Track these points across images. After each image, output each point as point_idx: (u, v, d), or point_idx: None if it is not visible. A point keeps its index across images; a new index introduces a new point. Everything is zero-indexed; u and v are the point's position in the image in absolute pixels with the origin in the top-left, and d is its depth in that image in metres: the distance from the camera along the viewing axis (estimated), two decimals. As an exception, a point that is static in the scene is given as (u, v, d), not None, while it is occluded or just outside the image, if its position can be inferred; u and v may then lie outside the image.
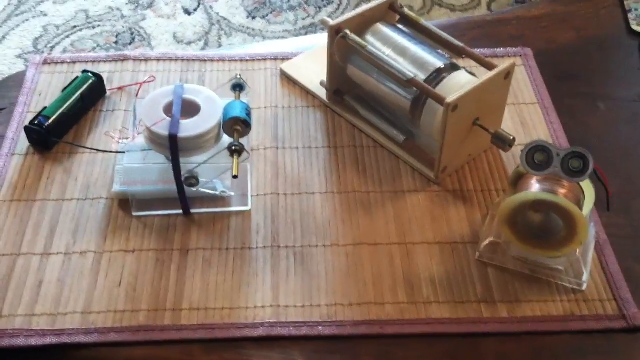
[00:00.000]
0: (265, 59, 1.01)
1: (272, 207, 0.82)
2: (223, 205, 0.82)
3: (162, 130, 0.76)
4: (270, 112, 0.94)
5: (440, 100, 0.79)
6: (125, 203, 0.81)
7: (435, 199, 0.83)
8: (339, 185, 0.84)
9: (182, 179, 0.77)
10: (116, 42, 1.89)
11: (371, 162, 0.87)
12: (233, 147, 0.76)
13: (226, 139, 0.79)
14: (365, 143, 0.89)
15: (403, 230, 0.80)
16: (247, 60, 1.01)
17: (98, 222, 0.80)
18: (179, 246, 0.78)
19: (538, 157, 0.72)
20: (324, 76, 0.93)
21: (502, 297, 0.73)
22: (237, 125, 0.78)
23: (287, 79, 0.98)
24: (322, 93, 0.94)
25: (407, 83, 0.82)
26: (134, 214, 0.81)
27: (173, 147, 0.76)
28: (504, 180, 0.85)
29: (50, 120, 0.88)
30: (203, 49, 1.86)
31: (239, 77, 0.84)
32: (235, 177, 0.74)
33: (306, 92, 0.96)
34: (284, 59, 1.01)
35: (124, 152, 0.81)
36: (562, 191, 0.72)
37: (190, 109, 0.79)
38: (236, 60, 1.01)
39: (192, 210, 0.81)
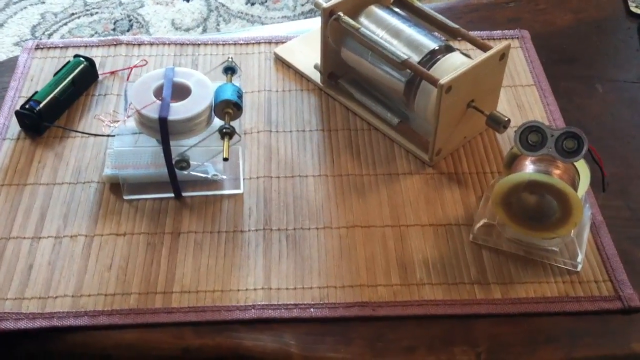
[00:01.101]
0: (259, 43, 1.00)
1: (265, 190, 0.81)
2: (215, 188, 0.81)
3: (152, 113, 0.75)
4: (263, 95, 0.93)
5: (433, 81, 0.78)
6: (116, 187, 0.81)
7: (430, 181, 0.82)
8: (333, 168, 0.84)
9: (173, 162, 0.77)
10: (114, 30, 1.88)
11: (365, 145, 0.86)
12: (224, 130, 0.75)
13: (217, 122, 0.78)
14: (360, 126, 0.89)
15: (397, 213, 0.79)
16: (240, 44, 1.00)
17: (89, 206, 0.80)
18: (170, 229, 0.77)
19: (532, 137, 0.71)
20: (318, 59, 0.92)
21: (496, 279, 0.72)
22: (228, 108, 0.77)
23: (281, 63, 0.97)
24: (316, 76, 0.94)
25: (401, 65, 0.81)
26: (125, 197, 0.80)
27: (163, 130, 0.75)
28: (499, 162, 0.84)
29: (42, 105, 0.87)
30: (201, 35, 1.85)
31: (230, 60, 0.83)
32: (225, 159, 0.73)
33: (300, 75, 0.95)
34: (278, 42, 1.00)
35: (114, 136, 0.80)
36: (556, 172, 0.71)
37: (181, 92, 0.78)
38: (230, 44, 1.00)
39: (184, 194, 0.80)
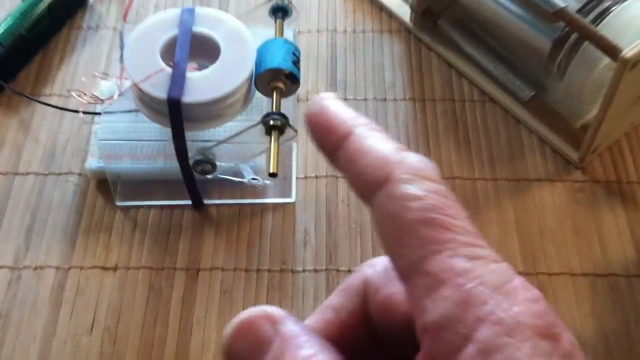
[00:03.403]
0: (318, -47, 0.70)
1: (328, 199, 0.54)
2: (253, 194, 0.54)
3: (158, 90, 0.47)
4: (325, 39, 0.63)
5: (610, 50, 0.48)
6: (105, 185, 0.54)
7: (579, 195, 0.54)
8: (430, 166, 0.56)
9: (190, 163, 0.49)
10: None
11: (478, 128, 0.58)
12: (272, 122, 0.47)
13: (258, 100, 0.50)
14: (469, 95, 0.60)
15: (531, 250, 0.51)
16: (292, -46, 0.70)
17: (64, 216, 0.53)
18: (184, 263, 0.51)
19: None
20: (406, -15, 0.62)
21: (700, 388, 0.46)
22: (278, 81, 0.48)
23: (351, -14, 0.67)
24: (403, 12, 0.64)
25: (552, 16, 0.51)
26: (119, 204, 0.54)
27: (175, 117, 0.47)
28: (683, 164, 0.56)
29: (3, 48, 0.59)
30: None
31: (281, -8, 0.54)
32: (273, 175, 0.45)
33: (379, 9, 0.65)
34: (346, -47, 0.70)
35: (100, 114, 0.52)
36: None
37: (204, 49, 0.50)
38: (277, -46, 0.70)
39: (207, 202, 0.53)
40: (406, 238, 0.20)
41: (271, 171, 0.45)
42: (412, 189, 0.20)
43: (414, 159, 0.21)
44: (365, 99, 0.59)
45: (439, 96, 0.59)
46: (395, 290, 0.23)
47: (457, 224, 0.20)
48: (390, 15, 0.64)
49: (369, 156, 0.22)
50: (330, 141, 0.23)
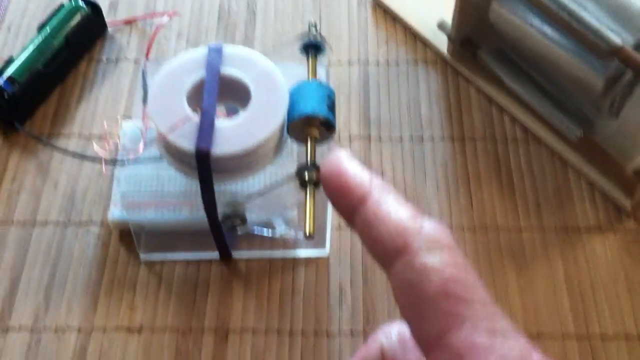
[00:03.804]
0: (348, -24, 0.66)
1: (364, 251, 0.51)
2: (284, 245, 0.51)
3: (185, 140, 0.44)
4: (357, 72, 0.60)
5: (673, 96, 0.44)
6: (129, 236, 0.51)
7: (632, 246, 0.51)
8: (470, 214, 0.52)
9: (219, 217, 0.46)
10: None
11: (522, 171, 0.54)
12: (306, 176, 0.43)
13: (289, 144, 0.47)
14: (511, 134, 0.56)
15: (583, 308, 0.48)
16: (320, -22, 0.66)
17: (86, 270, 0.50)
18: (213, 322, 0.48)
19: None
20: (445, 13, 0.59)
21: None
22: (312, 128, 0.45)
23: (385, 14, 0.63)
24: (440, 42, 0.60)
25: (608, 53, 0.47)
26: (143, 256, 0.51)
27: (203, 170, 0.44)
28: None
29: (18, 86, 0.56)
30: None
31: (313, 28, 0.50)
32: (309, 237, 0.42)
33: (414, 37, 0.62)
34: (377, -24, 0.66)
35: (124, 162, 0.49)
36: None
37: (232, 92, 0.46)
38: (304, -23, 0.66)
39: (235, 253, 0.50)
40: (427, 310, 0.21)
41: (307, 232, 0.41)
42: (431, 261, 0.21)
43: (431, 227, 0.22)
44: (401, 139, 0.56)
45: (479, 134, 0.56)
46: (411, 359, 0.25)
47: (476, 297, 0.21)
48: (425, 44, 0.61)
49: (387, 223, 0.22)
50: (347, 204, 0.23)
